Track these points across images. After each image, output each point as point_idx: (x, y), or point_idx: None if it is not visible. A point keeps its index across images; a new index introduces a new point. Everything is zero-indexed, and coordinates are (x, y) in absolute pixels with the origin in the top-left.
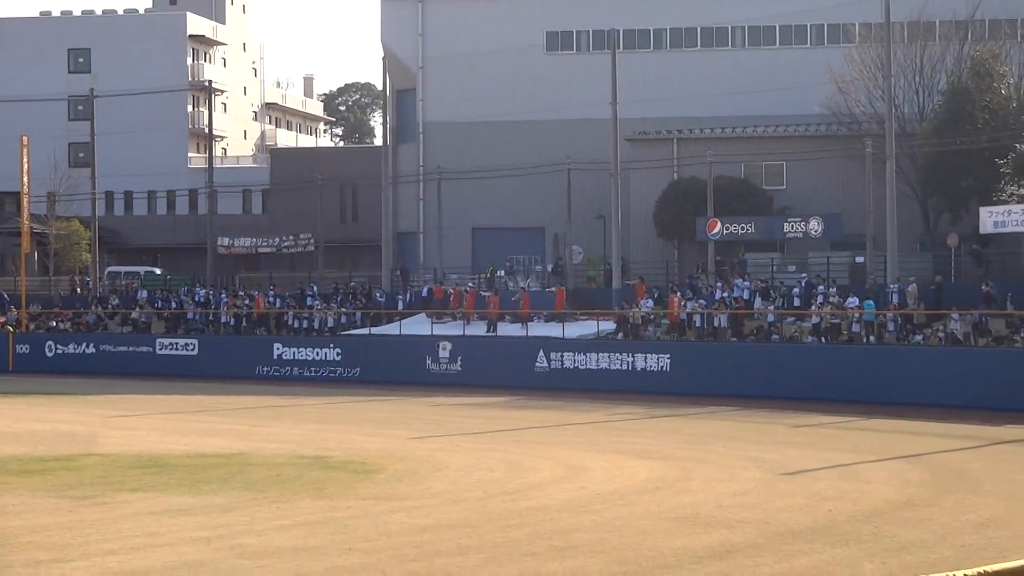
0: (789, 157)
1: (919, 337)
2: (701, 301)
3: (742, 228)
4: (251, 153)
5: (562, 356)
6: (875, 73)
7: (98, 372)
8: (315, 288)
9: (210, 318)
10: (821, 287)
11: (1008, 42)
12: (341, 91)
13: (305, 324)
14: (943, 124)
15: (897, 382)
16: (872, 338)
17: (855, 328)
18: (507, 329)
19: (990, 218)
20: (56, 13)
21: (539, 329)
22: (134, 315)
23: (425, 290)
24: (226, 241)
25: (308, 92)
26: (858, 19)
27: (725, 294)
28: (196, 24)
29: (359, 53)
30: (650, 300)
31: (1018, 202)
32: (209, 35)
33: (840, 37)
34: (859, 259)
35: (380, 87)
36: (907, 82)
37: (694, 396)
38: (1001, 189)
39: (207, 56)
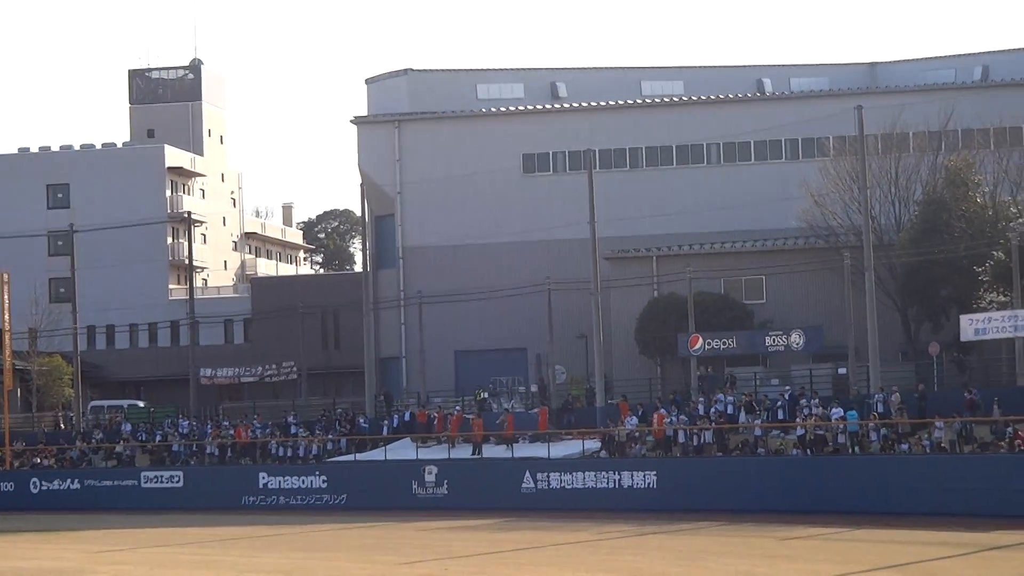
0: (768, 271)
1: (904, 446)
2: (683, 417)
3: (724, 343)
4: (232, 283)
5: (548, 476)
6: (851, 185)
7: (84, 508)
8: (298, 416)
9: (194, 449)
10: (804, 399)
11: (982, 151)
12: (320, 218)
13: (290, 452)
14: (920, 234)
15: (883, 491)
16: (857, 448)
17: (840, 439)
18: (492, 451)
19: (971, 326)
20: (34, 149)
21: (524, 450)
22: (118, 449)
23: (408, 414)
24: (209, 372)
25: (287, 220)
26: (832, 132)
27: (711, 409)
28: (174, 156)
29: (337, 180)
30: (634, 418)
31: (997, 309)
32: (187, 167)
33: (815, 151)
34: (841, 370)
35: (359, 213)
36: (883, 193)
37: (682, 512)
38: (980, 297)
39: (186, 188)
